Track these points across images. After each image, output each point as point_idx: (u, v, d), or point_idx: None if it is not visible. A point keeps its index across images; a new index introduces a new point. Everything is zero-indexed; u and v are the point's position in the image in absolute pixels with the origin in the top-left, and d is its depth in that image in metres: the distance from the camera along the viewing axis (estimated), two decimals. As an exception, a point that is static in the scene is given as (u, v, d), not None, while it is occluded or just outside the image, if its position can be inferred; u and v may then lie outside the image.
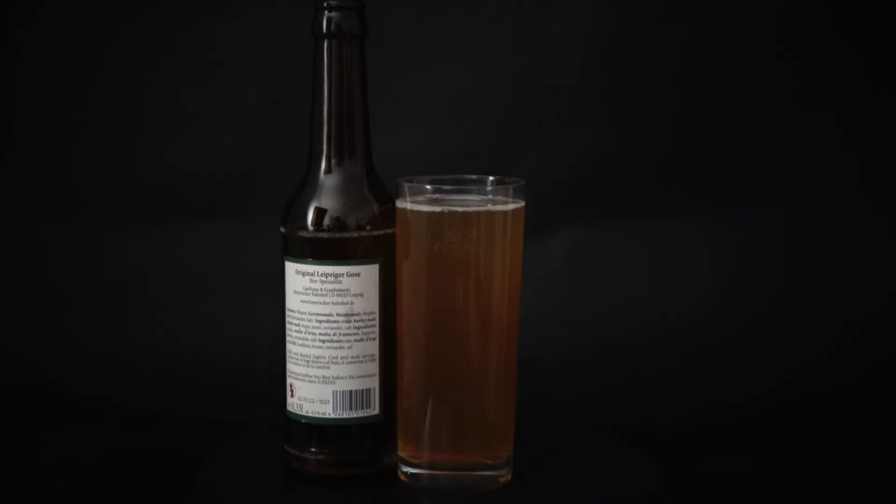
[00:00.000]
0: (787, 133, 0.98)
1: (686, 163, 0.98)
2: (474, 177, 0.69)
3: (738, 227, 0.99)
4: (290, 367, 0.70)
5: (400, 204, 0.68)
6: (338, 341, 0.68)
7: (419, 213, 0.67)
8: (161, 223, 1.00)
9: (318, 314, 0.68)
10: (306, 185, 0.69)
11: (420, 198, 0.68)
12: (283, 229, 0.70)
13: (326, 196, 0.69)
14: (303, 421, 0.70)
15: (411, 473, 0.70)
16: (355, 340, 0.69)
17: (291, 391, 0.70)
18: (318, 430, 0.70)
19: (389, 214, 0.69)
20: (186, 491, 0.70)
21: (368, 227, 0.68)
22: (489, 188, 0.69)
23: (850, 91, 0.97)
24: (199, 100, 0.99)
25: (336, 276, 0.68)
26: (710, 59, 0.97)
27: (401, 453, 0.70)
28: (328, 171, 0.69)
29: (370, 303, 0.69)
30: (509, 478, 0.70)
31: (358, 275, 0.68)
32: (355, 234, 0.68)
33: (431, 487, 0.69)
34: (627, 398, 0.88)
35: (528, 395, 0.77)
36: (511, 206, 0.68)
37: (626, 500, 0.69)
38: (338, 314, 0.68)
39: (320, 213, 0.68)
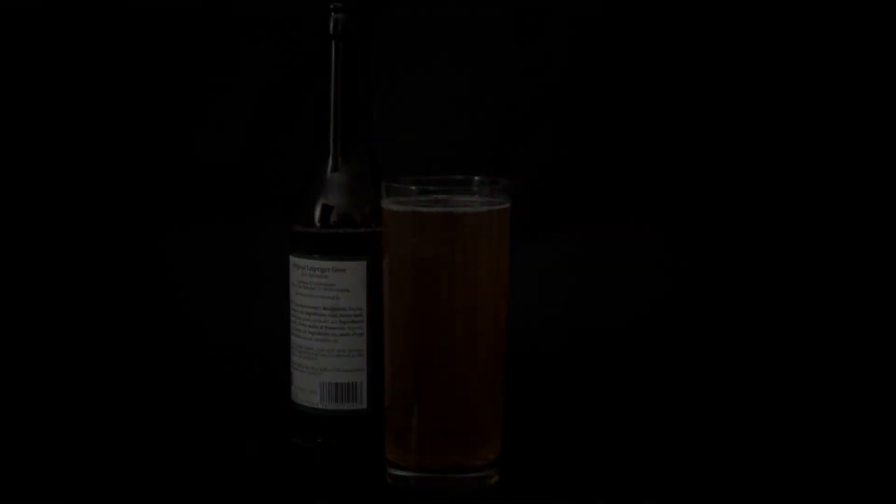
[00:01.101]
0: (787, 133, 0.98)
1: (685, 163, 0.98)
2: (459, 177, 0.69)
3: (737, 227, 0.98)
4: (291, 355, 0.74)
5: (383, 204, 0.69)
6: (324, 334, 0.71)
7: (395, 213, 0.67)
8: (165, 222, 1.01)
9: (307, 307, 0.71)
10: (311, 182, 0.72)
11: (399, 198, 0.68)
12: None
13: (328, 193, 0.71)
14: (297, 409, 0.73)
15: (397, 475, 0.69)
16: (341, 335, 0.70)
17: (292, 379, 0.73)
18: (311, 419, 0.72)
19: (379, 213, 0.70)
20: (186, 488, 0.70)
21: (373, 225, 0.70)
22: (474, 188, 0.68)
23: (848, 91, 0.97)
24: (201, 99, 1.00)
25: (322, 270, 0.70)
26: (709, 59, 0.97)
27: (387, 455, 0.70)
28: (334, 168, 0.71)
29: (356, 299, 0.70)
30: (497, 479, 0.70)
31: (343, 271, 0.70)
32: (340, 231, 0.71)
33: (418, 489, 0.69)
34: (625, 397, 0.87)
35: (525, 394, 0.77)
36: (491, 207, 0.67)
37: (624, 501, 0.68)
38: (324, 308, 0.70)
39: (323, 209, 0.71)
